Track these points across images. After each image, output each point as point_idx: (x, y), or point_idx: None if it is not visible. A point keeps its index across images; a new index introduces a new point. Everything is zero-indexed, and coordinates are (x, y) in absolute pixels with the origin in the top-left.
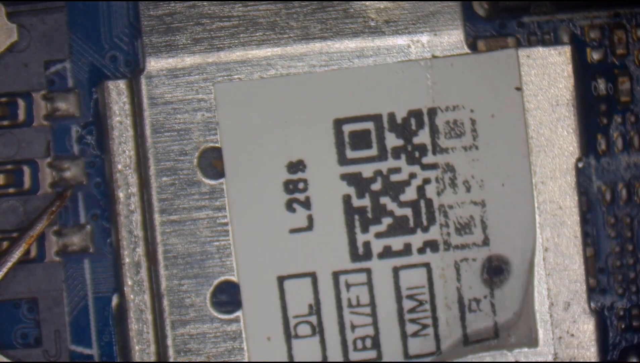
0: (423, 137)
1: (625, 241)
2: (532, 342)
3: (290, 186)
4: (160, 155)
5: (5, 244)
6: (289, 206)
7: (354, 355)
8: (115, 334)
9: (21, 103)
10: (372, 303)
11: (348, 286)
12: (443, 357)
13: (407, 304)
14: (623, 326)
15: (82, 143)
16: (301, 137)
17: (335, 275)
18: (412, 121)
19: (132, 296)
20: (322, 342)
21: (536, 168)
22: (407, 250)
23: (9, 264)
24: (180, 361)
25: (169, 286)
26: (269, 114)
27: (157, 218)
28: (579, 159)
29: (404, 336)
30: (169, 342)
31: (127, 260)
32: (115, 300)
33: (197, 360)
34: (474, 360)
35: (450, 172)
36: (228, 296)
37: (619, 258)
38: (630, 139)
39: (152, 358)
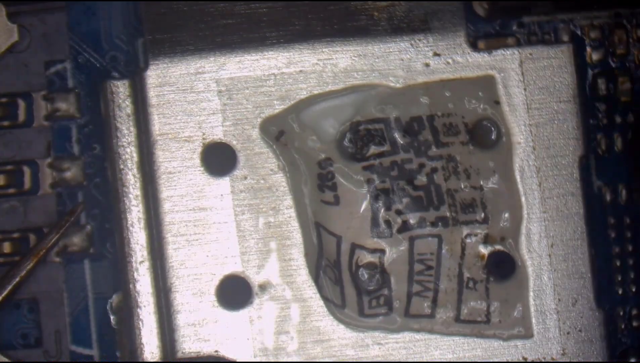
0: (426, 135)
1: (625, 241)
2: (527, 333)
3: (321, 177)
4: (164, 151)
5: (5, 244)
6: (320, 188)
7: (368, 311)
8: (116, 334)
9: (21, 103)
10: (386, 268)
11: (364, 257)
12: (434, 324)
13: (417, 267)
14: (623, 326)
15: (82, 143)
16: (328, 139)
17: (353, 247)
18: (415, 124)
19: (136, 292)
20: (342, 293)
21: (540, 166)
22: (422, 223)
23: (17, 279)
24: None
25: (174, 281)
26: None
27: (162, 214)
28: (583, 157)
29: (409, 294)
30: (176, 336)
31: (132, 256)
32: (115, 300)
33: (204, 352)
34: (484, 360)
35: (453, 162)
36: (234, 290)
37: (619, 259)
38: (630, 139)
39: (158, 353)
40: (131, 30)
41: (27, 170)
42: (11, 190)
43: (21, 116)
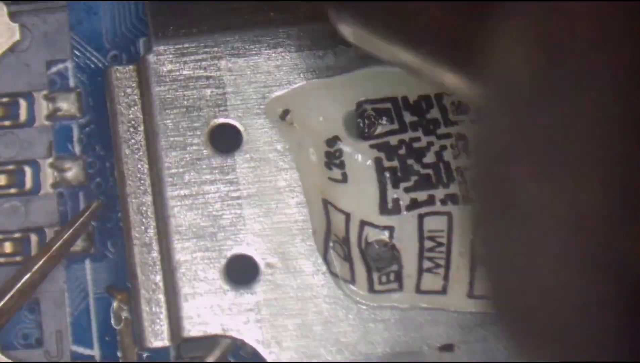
0: (434, 113)
1: None
2: None
3: (328, 155)
4: (169, 131)
5: (6, 244)
6: (328, 166)
7: (378, 287)
8: (117, 334)
9: (23, 103)
10: (396, 244)
11: (374, 233)
12: (446, 300)
13: (427, 244)
14: None
15: (83, 143)
16: (335, 118)
17: (362, 224)
18: (423, 103)
19: (143, 276)
20: (352, 270)
21: None
22: (431, 200)
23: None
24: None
25: (180, 260)
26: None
27: (168, 192)
28: None
29: (420, 270)
30: (183, 313)
31: (137, 237)
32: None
33: (210, 332)
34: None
35: (462, 140)
36: (242, 269)
37: None
38: None
39: (166, 336)
40: (133, 30)
41: (28, 170)
42: (12, 190)
43: (22, 115)
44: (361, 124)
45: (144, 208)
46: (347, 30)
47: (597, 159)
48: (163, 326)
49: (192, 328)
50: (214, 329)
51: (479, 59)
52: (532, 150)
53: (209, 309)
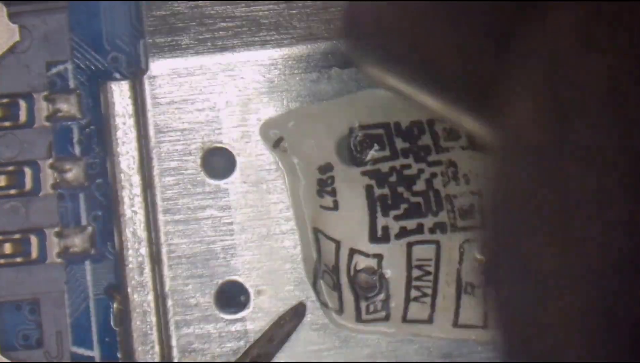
0: (426, 140)
1: None
2: None
3: (320, 183)
4: (164, 155)
5: (6, 245)
6: (319, 193)
7: (365, 317)
8: (117, 335)
9: (23, 104)
10: (384, 273)
11: (363, 262)
12: (432, 329)
13: (415, 272)
14: None
15: (83, 144)
16: (328, 143)
17: (352, 252)
18: (415, 129)
19: (135, 297)
20: (340, 299)
21: None
22: (419, 229)
23: None
24: (185, 362)
25: (173, 286)
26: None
27: (161, 218)
28: None
29: (407, 299)
30: (174, 342)
31: (130, 260)
32: (115, 303)
33: (202, 361)
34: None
35: (453, 167)
36: (233, 297)
37: None
38: None
39: (156, 359)
40: (133, 31)
41: (28, 171)
42: (12, 191)
43: (22, 116)
44: (353, 150)
45: (137, 228)
46: (373, 73)
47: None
48: (154, 348)
49: (183, 355)
50: (204, 356)
51: (496, 108)
52: (541, 211)
53: (200, 337)
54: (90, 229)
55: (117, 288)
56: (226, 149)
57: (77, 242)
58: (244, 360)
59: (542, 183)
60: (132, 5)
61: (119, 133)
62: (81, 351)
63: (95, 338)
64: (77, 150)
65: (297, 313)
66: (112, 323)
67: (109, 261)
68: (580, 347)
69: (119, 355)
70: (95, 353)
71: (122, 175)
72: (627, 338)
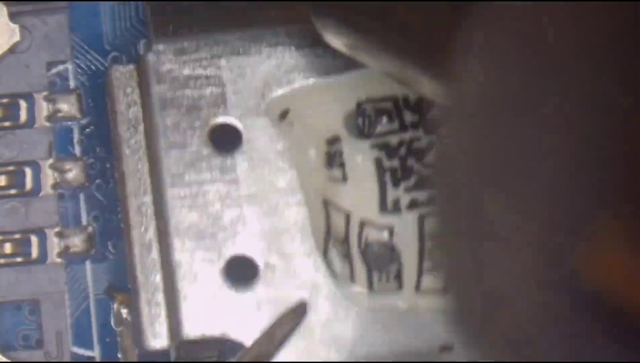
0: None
1: None
2: None
3: (329, 155)
4: (169, 131)
5: (6, 245)
6: (328, 165)
7: (378, 286)
8: (117, 335)
9: (23, 104)
10: (396, 244)
11: (374, 233)
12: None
13: (428, 244)
14: None
15: (83, 144)
16: (336, 117)
17: (362, 224)
18: (424, 102)
19: (142, 277)
20: (351, 269)
21: None
22: (431, 201)
23: None
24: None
25: (180, 260)
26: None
27: (168, 192)
28: None
29: (419, 271)
30: (182, 314)
31: (137, 241)
32: (116, 303)
33: (211, 334)
34: None
35: None
36: (242, 270)
37: None
38: None
39: (165, 337)
40: (133, 31)
41: (28, 171)
42: (12, 191)
43: (22, 116)
44: (361, 124)
45: (144, 208)
46: (332, 39)
47: (547, 179)
48: (163, 327)
49: (192, 330)
50: (213, 330)
51: (448, 68)
52: (485, 165)
53: (209, 310)
54: (90, 229)
55: (117, 288)
56: (232, 125)
57: (77, 242)
58: (244, 360)
59: (488, 139)
60: (132, 5)
61: (124, 116)
62: (81, 351)
63: (95, 338)
64: (77, 150)
65: (297, 313)
66: (112, 323)
67: (109, 261)
68: (530, 308)
69: (119, 355)
70: (96, 353)
71: (127, 158)
72: (569, 286)
